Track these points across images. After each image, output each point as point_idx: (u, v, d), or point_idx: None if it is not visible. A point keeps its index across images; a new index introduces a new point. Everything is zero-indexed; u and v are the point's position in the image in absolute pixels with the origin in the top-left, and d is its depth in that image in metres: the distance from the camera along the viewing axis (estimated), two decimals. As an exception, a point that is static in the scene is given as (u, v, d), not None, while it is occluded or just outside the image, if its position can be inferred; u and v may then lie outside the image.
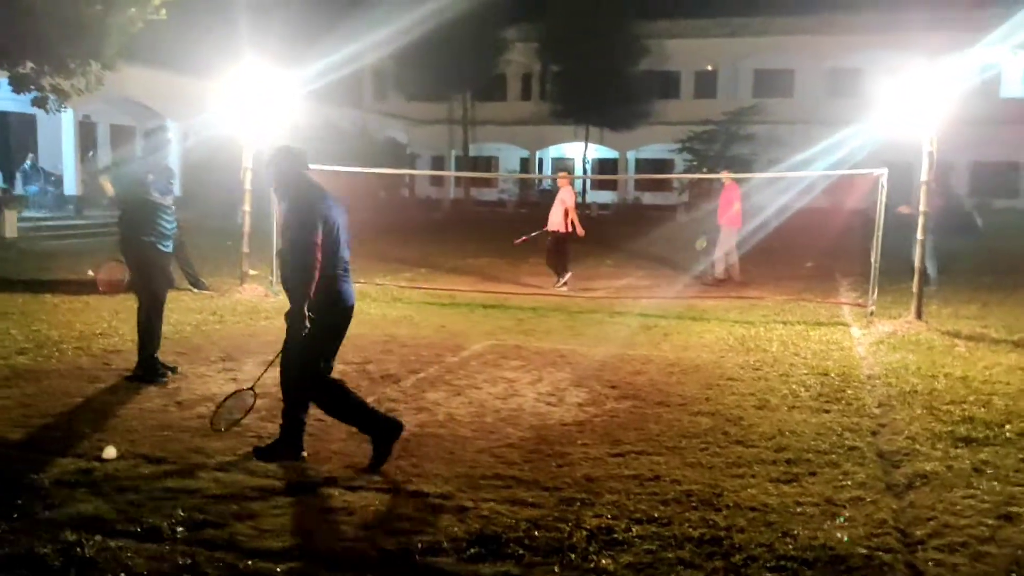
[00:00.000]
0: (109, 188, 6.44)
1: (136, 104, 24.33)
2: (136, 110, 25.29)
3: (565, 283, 12.57)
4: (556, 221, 12.90)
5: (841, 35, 37.42)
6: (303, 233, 4.43)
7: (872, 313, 9.69)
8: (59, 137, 22.61)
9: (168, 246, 6.71)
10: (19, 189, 21.65)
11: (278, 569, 3.30)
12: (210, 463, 4.56)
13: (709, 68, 41.28)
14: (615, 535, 3.71)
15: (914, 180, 12.28)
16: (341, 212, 4.71)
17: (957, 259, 15.96)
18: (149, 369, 6.40)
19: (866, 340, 8.53)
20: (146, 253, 6.52)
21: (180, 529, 3.66)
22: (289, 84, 11.18)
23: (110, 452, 4.62)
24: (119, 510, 3.86)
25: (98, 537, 3.50)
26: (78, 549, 3.38)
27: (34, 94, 13.99)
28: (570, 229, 12.81)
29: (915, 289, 9.29)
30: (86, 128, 25.05)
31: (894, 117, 9.13)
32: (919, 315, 9.23)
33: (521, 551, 3.53)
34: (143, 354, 6.45)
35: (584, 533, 3.72)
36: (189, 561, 3.34)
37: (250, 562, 3.36)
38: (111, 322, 8.58)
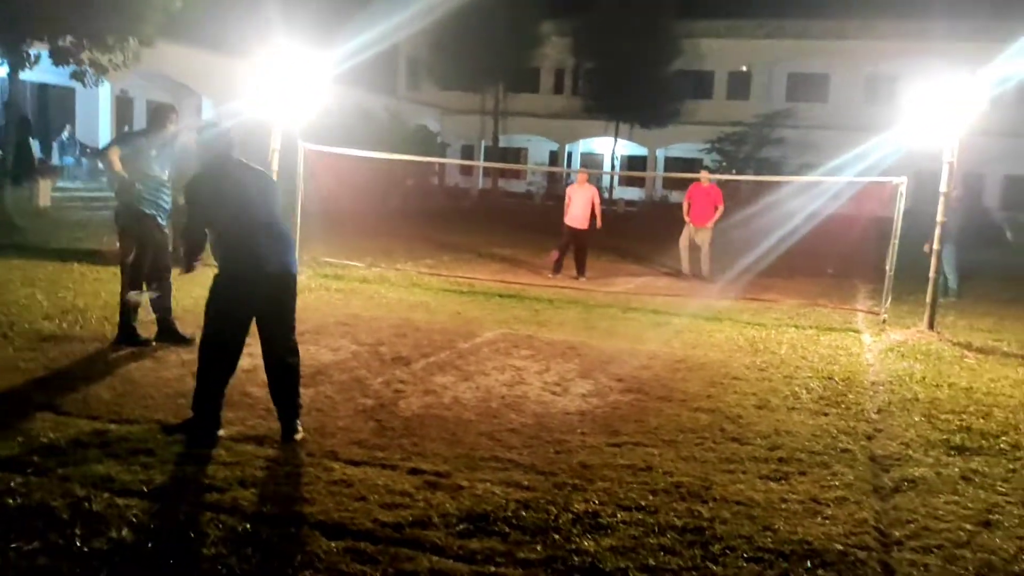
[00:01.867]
0: (117, 163, 6.51)
1: (173, 81, 24.71)
2: (172, 87, 25.68)
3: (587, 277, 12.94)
4: (580, 216, 13.13)
5: (879, 41, 37.06)
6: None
7: (884, 321, 9.72)
8: (96, 110, 23.06)
9: (165, 220, 6.91)
10: (55, 160, 22.09)
11: (274, 533, 3.48)
12: (221, 431, 4.73)
13: (743, 69, 41.07)
14: (601, 519, 3.85)
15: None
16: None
17: (982, 272, 15.91)
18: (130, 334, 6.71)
19: (876, 347, 8.58)
20: (146, 224, 6.71)
21: (186, 492, 3.84)
22: (320, 66, 11.34)
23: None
24: (130, 470, 4.05)
25: (106, 494, 3.70)
26: (86, 504, 3.58)
27: (73, 67, 14.34)
28: (590, 225, 13.17)
29: (928, 299, 9.31)
30: (123, 103, 25.51)
31: (919, 126, 9.15)
32: (931, 325, 9.26)
33: (508, 529, 3.68)
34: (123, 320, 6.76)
35: (571, 516, 3.86)
36: (191, 521, 3.52)
37: (248, 525, 3.53)
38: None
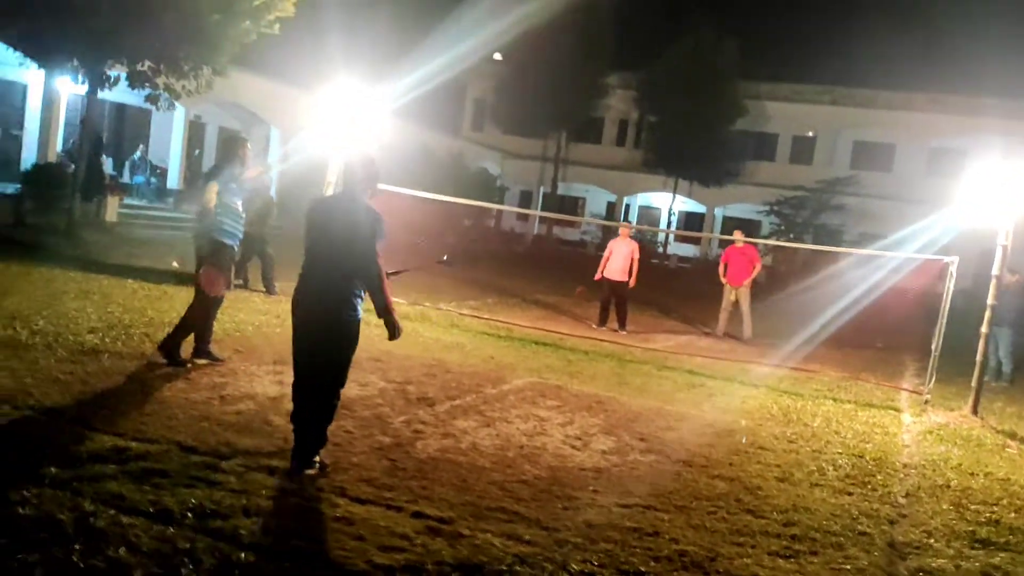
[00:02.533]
0: (214, 197, 6.94)
1: (244, 110, 25.46)
2: (244, 115, 26.47)
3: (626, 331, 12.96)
4: (619, 270, 13.22)
5: (948, 115, 36.50)
6: None
7: (927, 402, 9.46)
8: (169, 133, 23.84)
9: (235, 245, 7.28)
10: (126, 178, 22.87)
11: (270, 566, 3.51)
12: (236, 459, 4.81)
13: (809, 135, 40.79)
14: (597, 582, 3.81)
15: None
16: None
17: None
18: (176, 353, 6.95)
19: (914, 428, 8.36)
20: (222, 254, 7.09)
21: (190, 515, 3.90)
22: (379, 102, 11.62)
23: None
24: (140, 489, 4.13)
25: (112, 511, 3.78)
26: (91, 520, 3.66)
27: (148, 91, 14.90)
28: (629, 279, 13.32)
29: (974, 383, 9.06)
30: (196, 128, 26.35)
31: (975, 206, 8.99)
32: (975, 410, 8.99)
33: (500, 583, 3.66)
34: (196, 340, 7.10)
35: (566, 576, 3.82)
36: (188, 546, 3.57)
37: (242, 555, 3.57)
38: (181, 312, 8.98)
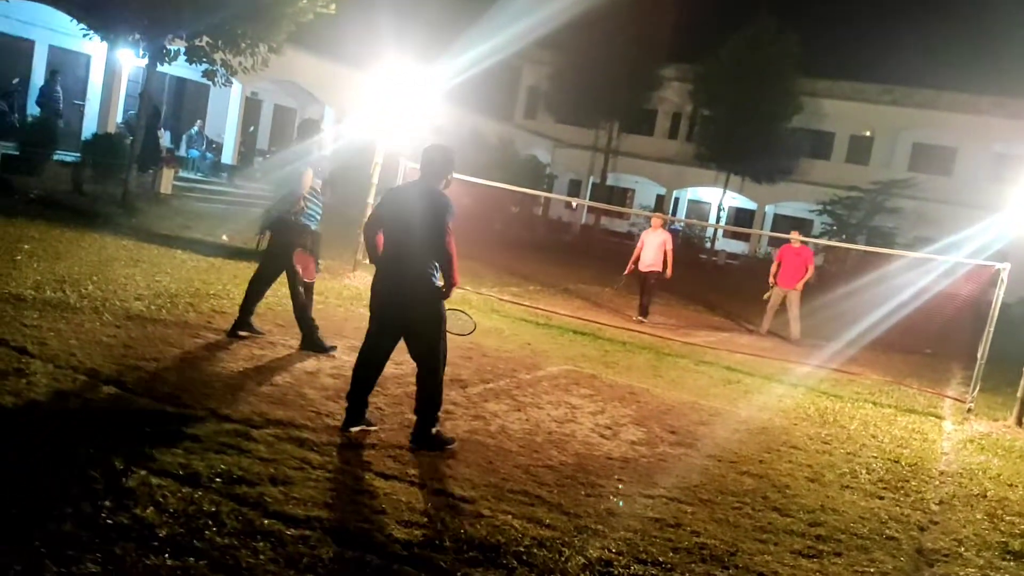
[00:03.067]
0: (309, 182, 7.06)
1: (299, 88, 25.75)
2: (299, 93, 26.78)
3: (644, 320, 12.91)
4: (651, 261, 13.16)
5: (1013, 119, 35.48)
6: None
7: (970, 410, 9.26)
8: (226, 109, 24.21)
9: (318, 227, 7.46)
10: (182, 151, 23.29)
11: (289, 532, 3.57)
12: (267, 428, 4.91)
13: (867, 134, 39.96)
14: (613, 570, 3.81)
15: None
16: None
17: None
18: (313, 340, 7.18)
19: (955, 436, 8.19)
20: (307, 235, 7.26)
21: (218, 480, 3.99)
22: (431, 84, 11.68)
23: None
24: (171, 453, 4.24)
25: (143, 472, 3.88)
26: (122, 479, 3.77)
27: (206, 66, 15.15)
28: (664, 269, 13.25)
29: (1020, 394, 8.84)
30: (252, 104, 26.72)
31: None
32: (1020, 422, 8.78)
33: (516, 564, 3.68)
34: (304, 330, 7.25)
35: (582, 561, 3.83)
36: (214, 509, 3.65)
37: (267, 521, 3.64)
38: (226, 285, 9.21)
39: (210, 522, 3.54)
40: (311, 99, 26.72)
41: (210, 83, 15.83)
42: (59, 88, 18.48)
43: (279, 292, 9.41)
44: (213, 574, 3.15)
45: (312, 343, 7.17)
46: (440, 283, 5.20)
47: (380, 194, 12.70)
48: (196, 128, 23.65)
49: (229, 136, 24.50)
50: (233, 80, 16.14)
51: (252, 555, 3.33)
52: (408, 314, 5.16)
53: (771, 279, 13.97)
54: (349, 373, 6.49)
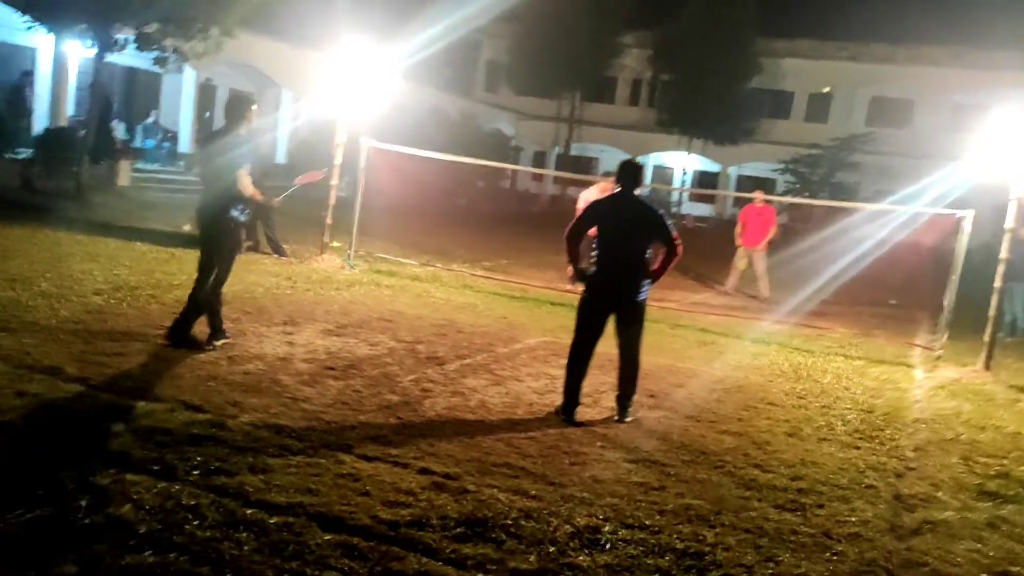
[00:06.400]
0: (250, 184, 6.35)
1: (256, 71, 25.29)
2: (256, 77, 26.27)
3: None
4: None
5: (970, 70, 35.80)
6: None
7: (939, 357, 9.39)
8: (179, 97, 23.74)
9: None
10: (138, 142, 22.85)
11: (272, 521, 3.53)
12: (242, 417, 4.84)
13: (825, 91, 40.16)
14: (601, 536, 3.81)
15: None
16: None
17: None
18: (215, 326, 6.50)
19: (925, 384, 8.31)
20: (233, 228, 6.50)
21: (195, 472, 3.93)
22: (387, 62, 11.50)
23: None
24: (144, 448, 4.16)
25: (114, 470, 3.81)
26: (94, 478, 3.69)
27: (156, 53, 14.83)
28: None
29: (986, 338, 8.98)
30: (206, 90, 26.21)
31: (989, 159, 8.84)
32: (988, 366, 8.92)
33: (504, 537, 3.67)
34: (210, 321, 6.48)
35: (571, 529, 3.83)
36: (193, 502, 3.59)
37: (249, 511, 3.59)
38: (191, 275, 9.01)
39: (190, 516, 3.48)
40: (268, 82, 26.27)
41: (162, 71, 15.50)
42: (29, 89, 18.07)
43: (246, 280, 9.32)
44: (196, 568, 3.10)
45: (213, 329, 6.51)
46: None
47: (344, 174, 12.62)
48: (151, 118, 23.20)
49: (185, 124, 24.02)
50: (186, 66, 15.85)
51: (235, 546, 3.28)
52: (622, 314, 5.99)
53: (737, 240, 14.08)
54: (322, 357, 6.49)
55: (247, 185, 6.29)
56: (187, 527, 3.39)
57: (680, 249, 5.77)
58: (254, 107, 6.54)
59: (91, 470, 3.78)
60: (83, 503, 3.43)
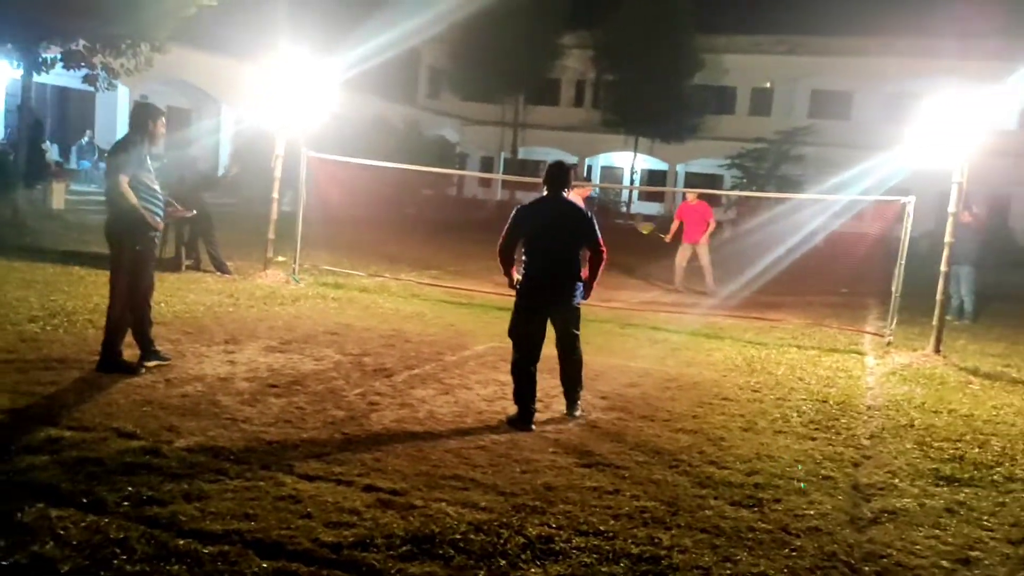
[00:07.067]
0: (131, 195, 6.06)
1: (192, 87, 24.84)
2: (193, 92, 25.80)
3: None
4: None
5: (904, 58, 36.53)
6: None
7: (890, 343, 9.46)
8: (115, 115, 23.18)
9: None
10: (73, 163, 22.26)
11: (206, 550, 3.33)
12: (178, 442, 4.62)
13: (767, 86, 40.71)
14: (554, 545, 3.68)
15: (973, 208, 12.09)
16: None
17: (1003, 296, 15.56)
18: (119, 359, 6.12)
19: (878, 370, 8.34)
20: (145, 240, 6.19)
21: (125, 504, 3.71)
22: (325, 72, 11.28)
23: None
24: (74, 480, 3.93)
25: (41, 504, 3.58)
26: (17, 514, 3.46)
27: (85, 71, 14.40)
28: None
29: (935, 322, 9.05)
30: (143, 108, 25.66)
31: (929, 145, 8.91)
32: (938, 349, 9.00)
33: (453, 553, 3.52)
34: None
35: (522, 540, 3.69)
36: (122, 535, 3.38)
37: (181, 542, 3.39)
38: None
39: (118, 550, 3.27)
40: (206, 97, 25.82)
41: (93, 89, 15.06)
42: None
43: (186, 300, 9.05)
44: (123, 607, 2.90)
45: (145, 349, 6.25)
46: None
47: (284, 187, 12.34)
48: (86, 138, 22.63)
49: (121, 143, 23.48)
50: (118, 84, 15.41)
51: (165, 580, 3.08)
52: (561, 313, 5.91)
53: (669, 237, 14.26)
54: (264, 375, 6.27)
55: (126, 192, 5.94)
56: (115, 562, 3.18)
57: (605, 254, 5.76)
58: (161, 118, 6.28)
59: (15, 506, 3.54)
60: (3, 542, 3.19)
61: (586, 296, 5.89)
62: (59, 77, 15.73)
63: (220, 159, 25.32)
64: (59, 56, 14.26)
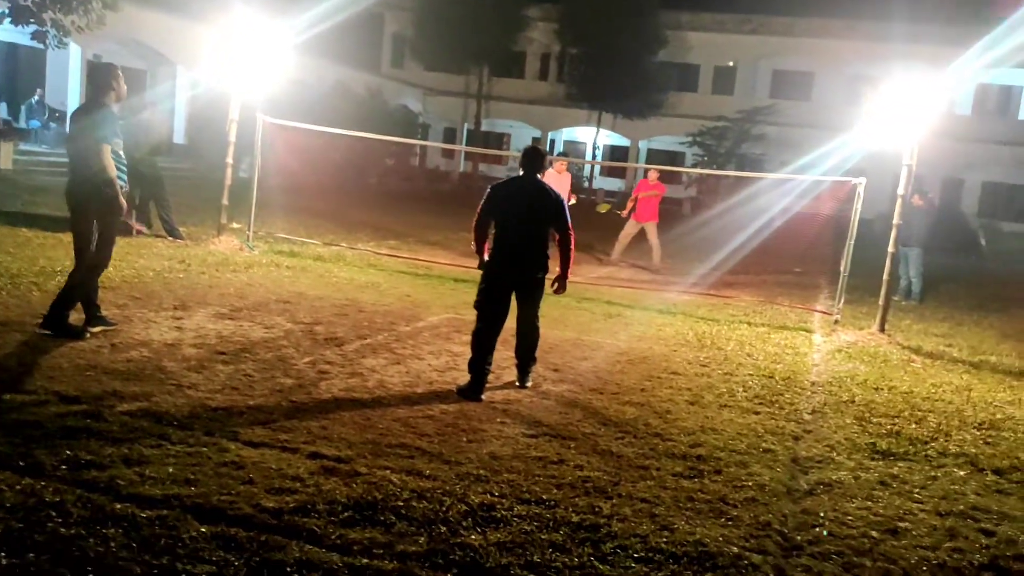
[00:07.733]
0: (111, 161, 5.94)
1: (147, 47, 24.26)
2: (147, 53, 25.20)
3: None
4: None
5: (865, 42, 36.92)
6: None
7: (837, 322, 9.64)
8: (66, 74, 22.60)
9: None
10: (22, 123, 21.69)
11: (143, 515, 3.31)
12: (121, 407, 4.57)
13: (730, 64, 40.90)
14: (496, 513, 3.72)
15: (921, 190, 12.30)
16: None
17: (951, 277, 15.93)
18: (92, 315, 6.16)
19: (824, 348, 8.50)
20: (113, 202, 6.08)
21: (63, 468, 3.67)
22: (281, 34, 11.07)
23: None
24: (13, 444, 3.88)
25: (-27, 468, 3.53)
26: (-52, 477, 3.41)
27: (34, 27, 14.00)
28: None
29: (881, 302, 9.24)
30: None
31: (881, 128, 9.05)
32: (883, 328, 9.19)
33: (394, 519, 3.54)
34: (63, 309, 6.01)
35: (464, 508, 3.72)
36: (58, 499, 3.35)
37: (119, 506, 3.37)
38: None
39: (53, 513, 3.24)
40: (161, 59, 25.24)
41: (43, 46, 14.65)
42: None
43: (136, 264, 8.90)
44: (56, 568, 2.88)
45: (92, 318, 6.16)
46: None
47: (239, 152, 12.15)
48: (36, 97, 22.05)
49: (72, 104, 22.88)
50: (69, 42, 15.00)
51: (101, 543, 3.06)
52: (525, 290, 6.02)
53: (625, 213, 14.36)
54: (212, 342, 6.21)
55: (109, 164, 5.93)
56: (49, 524, 3.16)
57: (573, 237, 5.97)
58: (120, 76, 6.15)
59: (-58, 471, 3.49)
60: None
61: (562, 290, 6.10)
62: (7, 32, 15.28)
63: (176, 122, 24.85)
64: (6, 11, 13.82)
